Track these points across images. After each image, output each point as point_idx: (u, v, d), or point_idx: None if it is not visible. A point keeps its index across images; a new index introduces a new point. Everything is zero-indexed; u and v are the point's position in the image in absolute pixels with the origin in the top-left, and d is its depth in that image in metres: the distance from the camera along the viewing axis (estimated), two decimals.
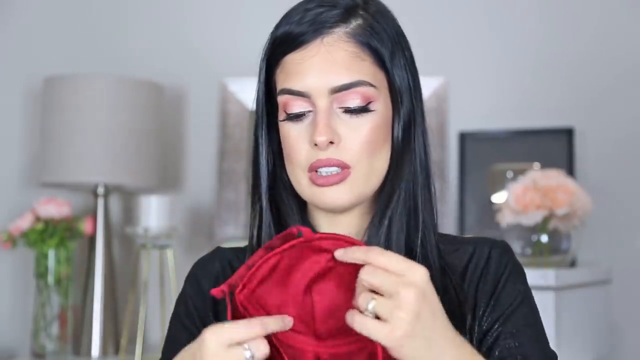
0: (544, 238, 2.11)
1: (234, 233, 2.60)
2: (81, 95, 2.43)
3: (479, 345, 1.00)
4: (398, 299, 0.80)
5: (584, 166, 2.43)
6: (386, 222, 1.01)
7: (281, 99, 1.01)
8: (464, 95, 2.54)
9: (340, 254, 0.85)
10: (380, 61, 1.01)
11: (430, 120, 2.61)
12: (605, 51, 2.46)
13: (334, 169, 0.99)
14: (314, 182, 0.99)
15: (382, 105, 1.00)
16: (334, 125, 0.98)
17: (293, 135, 1.00)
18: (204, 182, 2.74)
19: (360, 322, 0.81)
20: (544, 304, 1.82)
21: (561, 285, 1.92)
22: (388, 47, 1.01)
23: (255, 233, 1.06)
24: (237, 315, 0.87)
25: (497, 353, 0.99)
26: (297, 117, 1.00)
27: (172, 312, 1.12)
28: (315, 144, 0.98)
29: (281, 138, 1.03)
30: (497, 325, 1.01)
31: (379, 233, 1.01)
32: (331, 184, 0.99)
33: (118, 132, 2.43)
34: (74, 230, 2.52)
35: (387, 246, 1.01)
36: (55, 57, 2.82)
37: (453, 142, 2.55)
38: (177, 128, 2.79)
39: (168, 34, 2.80)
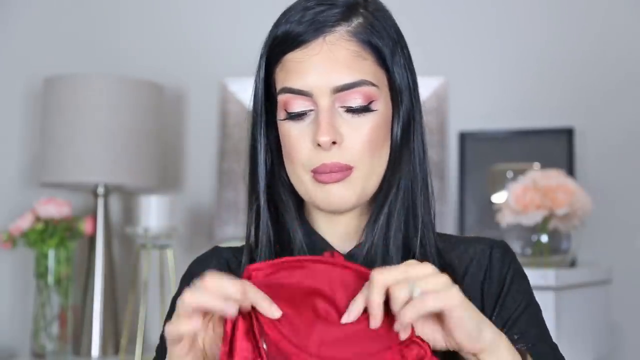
0: (544, 238, 2.11)
1: (234, 233, 2.60)
2: (81, 95, 2.43)
3: None
4: (436, 276, 0.83)
5: (584, 166, 2.43)
6: (382, 219, 1.01)
7: (282, 97, 1.00)
8: (464, 95, 2.54)
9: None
10: (381, 60, 1.01)
11: (430, 120, 2.62)
12: (605, 51, 2.46)
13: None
14: (316, 179, 0.99)
15: (382, 105, 1.00)
16: (336, 125, 0.98)
17: (294, 134, 1.00)
18: (204, 182, 2.74)
19: (419, 304, 0.81)
20: (544, 304, 1.81)
21: (561, 285, 1.92)
22: (389, 46, 1.01)
23: (252, 232, 1.05)
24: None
25: None
26: (298, 116, 1.00)
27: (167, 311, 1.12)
28: (318, 144, 0.97)
29: (281, 137, 1.03)
30: (505, 329, 1.01)
31: (374, 231, 1.01)
32: (334, 181, 0.98)
33: (118, 132, 2.43)
34: (74, 230, 2.52)
35: (386, 245, 1.01)
36: (55, 57, 2.82)
37: (453, 142, 2.55)
38: (177, 128, 2.79)
39: (168, 34, 2.80)
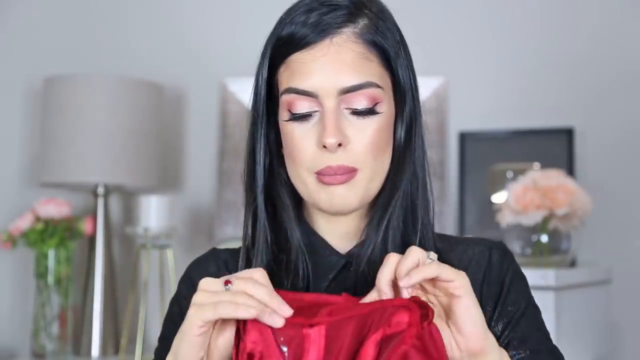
0: (544, 238, 2.11)
1: (233, 233, 2.60)
2: (81, 95, 2.43)
3: None
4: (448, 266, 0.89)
5: (584, 166, 2.43)
6: (385, 222, 1.01)
7: (286, 98, 0.99)
8: (464, 95, 2.54)
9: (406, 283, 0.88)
10: (386, 61, 1.01)
11: (430, 120, 2.62)
12: (605, 51, 2.46)
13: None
14: (320, 180, 0.99)
15: (387, 106, 1.00)
16: (342, 127, 0.97)
17: (297, 135, 0.99)
18: (204, 182, 2.74)
19: (429, 267, 0.88)
20: (544, 304, 1.81)
21: (561, 285, 1.92)
22: (393, 47, 1.01)
23: (250, 232, 1.05)
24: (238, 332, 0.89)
25: None
26: (302, 117, 0.99)
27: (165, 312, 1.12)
28: (324, 146, 0.97)
29: (283, 137, 1.02)
30: (507, 332, 1.01)
31: (377, 232, 1.01)
32: (339, 183, 0.98)
33: (118, 132, 2.43)
34: (74, 230, 2.52)
35: (384, 245, 1.01)
36: (55, 57, 2.82)
37: (453, 142, 2.55)
38: (177, 128, 2.79)
39: (168, 34, 2.80)
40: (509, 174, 2.32)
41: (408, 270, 0.88)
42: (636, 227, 2.39)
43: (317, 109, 0.98)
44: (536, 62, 2.51)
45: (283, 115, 1.01)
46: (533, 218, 2.04)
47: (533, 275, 1.81)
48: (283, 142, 1.02)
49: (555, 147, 2.42)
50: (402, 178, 1.02)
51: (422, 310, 0.86)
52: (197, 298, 0.88)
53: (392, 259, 0.90)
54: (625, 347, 2.37)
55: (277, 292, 0.88)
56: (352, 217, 1.04)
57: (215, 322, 0.89)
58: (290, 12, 1.01)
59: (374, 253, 1.00)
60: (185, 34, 2.79)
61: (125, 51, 2.81)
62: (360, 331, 0.86)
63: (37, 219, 2.48)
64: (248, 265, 1.04)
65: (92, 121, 2.42)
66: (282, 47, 1.00)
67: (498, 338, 1.01)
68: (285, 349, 0.86)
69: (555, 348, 1.03)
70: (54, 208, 2.47)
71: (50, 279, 2.50)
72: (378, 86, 0.99)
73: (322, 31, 0.98)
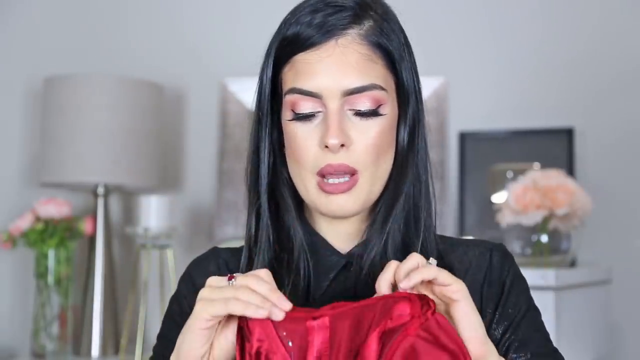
0: (544, 238, 2.11)
1: (234, 233, 2.60)
2: (81, 95, 2.43)
3: None
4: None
5: (584, 166, 2.43)
6: (387, 224, 1.01)
7: (290, 97, 0.99)
8: (464, 95, 2.54)
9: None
10: (391, 63, 1.01)
11: (430, 121, 2.62)
12: (605, 51, 2.46)
13: (342, 179, 0.98)
14: (322, 188, 0.99)
15: (390, 108, 1.00)
16: (345, 128, 0.97)
17: (300, 135, 0.99)
18: (204, 182, 2.74)
19: (428, 269, 0.89)
20: (544, 304, 1.82)
21: (561, 285, 1.92)
22: (397, 49, 1.01)
23: (252, 231, 1.05)
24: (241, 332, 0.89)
25: None
26: (306, 117, 0.99)
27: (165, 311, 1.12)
28: (326, 146, 0.97)
29: (286, 137, 1.02)
30: (508, 334, 1.01)
31: (379, 234, 1.01)
32: (340, 192, 0.98)
33: (118, 132, 2.43)
34: (74, 230, 2.52)
35: (385, 246, 1.01)
36: (55, 57, 2.82)
37: (453, 142, 2.55)
38: (177, 128, 2.79)
39: (168, 34, 2.80)
40: (509, 174, 2.32)
41: (408, 271, 0.88)
42: (636, 227, 2.39)
43: (320, 109, 0.98)
44: (536, 62, 2.51)
45: (286, 114, 1.01)
46: (533, 218, 2.04)
47: (533, 275, 1.81)
48: (285, 141, 1.02)
49: (555, 147, 2.42)
50: (404, 180, 1.02)
51: (422, 301, 0.86)
52: (203, 293, 0.89)
53: (392, 264, 0.90)
54: (625, 347, 2.37)
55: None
56: (353, 219, 1.04)
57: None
58: (295, 13, 1.01)
59: (374, 254, 1.00)
60: (185, 34, 2.79)
61: (125, 51, 2.81)
62: (362, 324, 0.86)
63: (37, 219, 2.48)
64: (250, 263, 1.05)
65: (92, 121, 2.42)
66: (287, 46, 1.00)
67: (499, 341, 1.01)
68: (290, 343, 0.86)
69: (556, 351, 1.03)
70: (54, 208, 2.47)
71: (50, 279, 2.50)
72: (382, 88, 0.99)
73: (327, 32, 0.98)
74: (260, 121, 1.05)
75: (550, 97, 2.50)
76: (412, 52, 1.05)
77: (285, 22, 1.01)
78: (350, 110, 0.98)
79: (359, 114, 0.98)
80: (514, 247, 2.14)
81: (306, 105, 0.98)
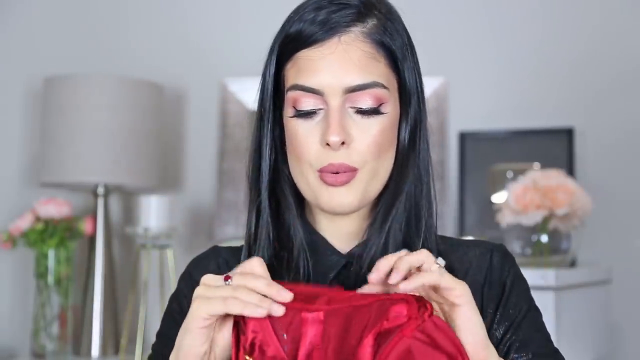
0: (544, 238, 2.11)
1: (234, 233, 2.60)
2: (81, 95, 2.43)
3: None
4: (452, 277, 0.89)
5: (584, 166, 2.43)
6: (387, 224, 1.01)
7: (292, 94, 0.99)
8: (464, 95, 2.54)
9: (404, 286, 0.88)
10: (393, 62, 1.01)
11: (431, 121, 2.62)
12: (605, 51, 2.46)
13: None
14: (322, 179, 0.99)
15: (391, 107, 1.00)
16: (346, 126, 0.97)
17: (301, 132, 0.99)
18: (204, 182, 2.74)
19: (439, 273, 0.87)
20: (544, 304, 1.81)
21: (561, 285, 1.92)
22: (400, 48, 1.01)
23: (253, 229, 1.05)
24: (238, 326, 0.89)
25: None
26: (307, 114, 0.99)
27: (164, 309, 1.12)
28: (327, 144, 0.97)
29: (287, 134, 1.02)
30: (509, 335, 1.01)
31: (379, 234, 1.01)
32: (340, 184, 0.98)
33: (118, 132, 2.43)
34: (74, 230, 2.52)
35: (385, 246, 1.00)
36: (55, 57, 2.82)
37: (453, 142, 2.55)
38: (177, 128, 2.79)
39: (168, 34, 2.80)
40: (509, 174, 2.32)
41: (408, 264, 0.88)
42: (636, 227, 2.39)
43: (322, 106, 0.98)
44: (536, 62, 2.51)
45: (288, 111, 1.01)
46: (533, 218, 2.04)
47: (533, 275, 1.81)
48: (287, 138, 1.02)
49: (555, 147, 2.42)
50: (405, 180, 1.02)
51: (419, 302, 0.86)
52: (199, 291, 0.89)
53: (400, 253, 0.90)
54: (625, 347, 2.37)
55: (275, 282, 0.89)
56: (354, 218, 1.04)
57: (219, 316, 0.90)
58: (299, 10, 1.01)
59: (374, 254, 1.00)
60: (185, 34, 2.79)
61: (125, 51, 2.81)
62: (356, 323, 0.86)
63: (37, 219, 2.48)
64: None
65: (92, 121, 2.42)
66: (289, 43, 1.00)
67: (499, 341, 1.01)
68: (284, 335, 0.87)
69: (557, 351, 1.03)
70: (54, 208, 2.47)
71: (50, 279, 2.50)
72: (384, 87, 0.98)
73: (330, 29, 0.98)
74: (262, 118, 1.05)
75: (550, 97, 2.50)
76: (415, 53, 1.05)
77: (289, 20, 1.01)
78: (351, 108, 0.98)
79: (360, 111, 0.98)
80: (514, 247, 2.14)
81: (308, 103, 0.98)
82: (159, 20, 2.83)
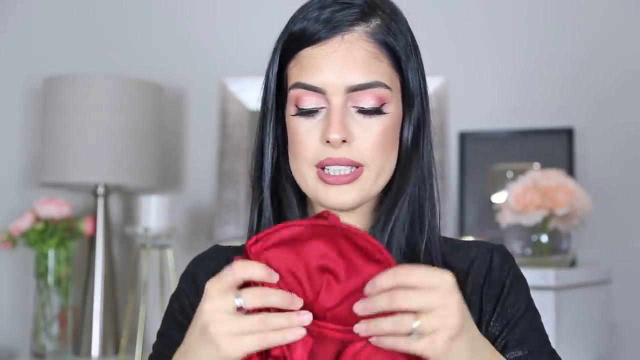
0: (544, 238, 2.11)
1: (234, 233, 2.60)
2: (81, 95, 2.43)
3: None
4: (445, 309, 0.79)
5: (584, 166, 2.43)
6: (390, 225, 1.01)
7: (294, 92, 0.99)
8: (464, 95, 2.54)
9: (369, 289, 0.81)
10: (397, 63, 1.01)
11: (431, 120, 2.62)
12: (605, 51, 2.46)
13: (344, 168, 0.98)
14: (322, 179, 0.98)
15: (394, 107, 1.00)
16: (347, 125, 0.97)
17: (302, 130, 0.99)
18: (204, 182, 2.74)
19: (408, 344, 0.79)
20: (544, 304, 1.82)
21: (561, 285, 1.92)
22: (404, 49, 1.01)
23: (255, 228, 1.05)
24: None
25: None
26: (309, 112, 0.99)
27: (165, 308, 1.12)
28: (328, 141, 0.97)
29: (288, 132, 1.02)
30: (504, 333, 1.01)
31: (383, 236, 1.00)
32: (341, 183, 0.98)
33: (118, 132, 2.43)
34: (74, 230, 2.52)
35: (388, 247, 1.00)
36: (55, 57, 2.82)
37: (453, 142, 2.55)
38: (177, 128, 2.79)
39: (168, 34, 2.80)
40: (509, 174, 2.32)
41: (381, 328, 0.80)
42: (636, 227, 2.39)
43: (324, 105, 0.98)
44: (536, 62, 2.51)
45: (290, 110, 1.01)
46: (533, 218, 2.05)
47: (533, 275, 1.81)
48: (288, 136, 1.02)
49: (555, 147, 2.42)
50: (408, 181, 1.02)
51: None
52: (221, 328, 0.82)
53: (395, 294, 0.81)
54: (625, 347, 2.37)
55: (273, 258, 0.85)
56: (356, 218, 1.03)
57: None
58: (303, 9, 1.01)
59: None
60: (185, 34, 2.79)
61: (125, 51, 2.81)
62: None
63: (37, 219, 2.48)
64: None
65: (92, 121, 2.42)
66: (293, 41, 1.00)
67: (495, 339, 1.00)
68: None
69: (554, 352, 1.03)
70: (54, 208, 2.47)
71: (50, 279, 2.50)
72: (386, 86, 0.98)
73: (333, 28, 0.98)
74: (264, 117, 1.05)
75: (551, 97, 2.50)
76: (419, 54, 1.05)
77: (293, 19, 1.02)
78: (353, 107, 0.98)
79: (362, 111, 0.98)
80: (514, 247, 2.14)
81: (310, 101, 0.98)
82: (159, 20, 2.83)
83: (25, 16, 2.85)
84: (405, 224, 1.02)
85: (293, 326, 0.82)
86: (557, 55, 2.50)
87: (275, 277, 0.83)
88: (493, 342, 1.00)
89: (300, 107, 0.99)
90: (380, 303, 0.80)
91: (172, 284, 2.35)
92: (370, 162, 0.98)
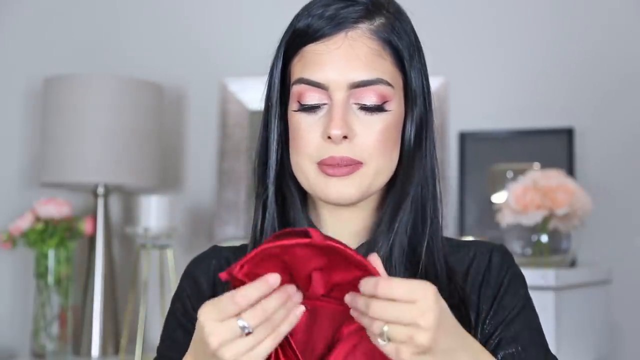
0: (544, 238, 2.11)
1: (234, 233, 2.60)
2: (81, 95, 2.43)
3: None
4: (417, 326, 0.80)
5: (584, 166, 2.43)
6: (394, 225, 1.01)
7: (297, 88, 1.00)
8: (464, 95, 2.54)
9: (349, 300, 0.84)
10: (400, 62, 1.01)
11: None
12: (605, 52, 2.46)
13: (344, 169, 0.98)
14: (323, 171, 0.98)
15: (396, 106, 1.00)
16: (349, 121, 0.97)
17: (304, 127, 0.99)
18: (204, 182, 2.74)
19: (377, 342, 0.82)
20: (544, 304, 1.82)
21: (561, 285, 1.92)
22: (408, 49, 1.02)
23: (259, 224, 1.04)
24: None
25: (500, 359, 0.99)
26: (311, 108, 0.99)
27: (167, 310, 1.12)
28: (329, 137, 0.97)
29: (290, 128, 1.02)
30: (499, 331, 1.00)
31: (388, 236, 1.00)
32: (341, 175, 0.98)
33: (118, 132, 2.43)
34: (74, 230, 2.52)
35: (391, 248, 1.00)
36: (55, 57, 2.82)
37: (453, 142, 2.55)
38: (177, 128, 2.79)
39: (168, 34, 2.80)
40: (509, 174, 2.32)
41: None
42: (636, 227, 2.39)
43: (326, 101, 0.99)
44: (536, 62, 2.51)
45: (293, 105, 1.01)
46: (533, 218, 2.05)
47: (533, 275, 1.81)
48: (290, 132, 1.02)
49: (555, 147, 2.42)
50: (411, 181, 1.02)
51: None
52: (242, 348, 0.82)
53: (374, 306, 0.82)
54: (625, 347, 2.37)
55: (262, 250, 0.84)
56: (357, 217, 1.03)
57: None
58: (307, 7, 1.02)
59: (381, 256, 0.99)
60: (185, 34, 2.79)
61: (125, 51, 2.81)
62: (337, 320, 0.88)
63: (37, 219, 2.48)
64: None
65: (92, 121, 2.42)
66: (297, 38, 1.01)
67: (490, 336, 1.00)
68: None
69: (548, 351, 1.02)
70: (54, 208, 2.47)
71: (50, 279, 2.50)
72: (389, 84, 0.99)
73: (338, 24, 0.98)
74: (269, 114, 1.05)
75: (551, 97, 2.50)
76: (423, 56, 1.05)
77: (298, 16, 1.02)
78: (355, 104, 0.98)
79: (364, 108, 0.98)
80: (514, 247, 2.14)
81: (312, 97, 0.99)
82: (159, 20, 2.83)
83: (25, 16, 2.85)
84: (408, 224, 1.01)
85: (290, 320, 0.84)
86: (557, 55, 2.50)
87: (277, 281, 0.83)
88: (487, 339, 1.00)
89: (303, 103, 0.99)
90: (359, 306, 0.82)
91: (172, 284, 2.35)
92: (369, 159, 0.98)
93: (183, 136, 2.79)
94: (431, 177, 1.04)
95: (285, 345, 0.87)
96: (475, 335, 1.00)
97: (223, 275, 0.84)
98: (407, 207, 1.01)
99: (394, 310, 0.80)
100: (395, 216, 1.01)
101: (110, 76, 2.47)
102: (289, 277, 0.85)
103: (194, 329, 0.90)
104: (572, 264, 2.18)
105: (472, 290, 1.03)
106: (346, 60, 0.97)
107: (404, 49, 1.01)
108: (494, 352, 0.99)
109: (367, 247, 1.01)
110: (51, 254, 2.49)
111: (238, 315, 0.82)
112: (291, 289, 0.85)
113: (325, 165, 0.98)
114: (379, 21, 1.00)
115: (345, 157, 0.97)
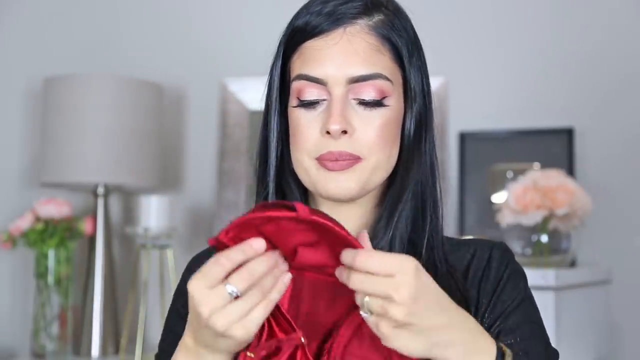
0: (544, 238, 2.11)
1: None
2: (81, 95, 2.43)
3: None
4: (391, 300, 0.81)
5: (584, 166, 2.43)
6: (393, 221, 1.01)
7: (296, 84, 1.00)
8: (464, 95, 2.54)
9: (338, 273, 0.85)
10: (399, 58, 1.01)
11: None
12: (605, 52, 2.46)
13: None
14: (322, 165, 0.98)
15: (395, 101, 1.01)
16: (348, 116, 0.98)
17: (303, 122, 1.00)
18: (204, 182, 2.74)
19: (362, 313, 0.83)
20: (544, 304, 1.82)
21: (561, 285, 1.92)
22: (407, 46, 1.02)
23: None
24: None
25: None
26: (310, 104, 0.99)
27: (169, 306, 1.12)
28: (328, 132, 0.97)
29: (290, 124, 1.02)
30: (498, 323, 1.00)
31: (387, 231, 1.01)
32: (340, 169, 0.98)
33: (118, 132, 2.43)
34: (74, 230, 2.52)
35: (391, 242, 1.00)
36: (55, 57, 2.82)
37: (453, 142, 2.55)
38: (177, 128, 2.79)
39: (168, 34, 2.80)
40: (509, 174, 2.32)
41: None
42: (636, 227, 2.39)
43: (325, 97, 0.99)
44: (536, 62, 2.51)
45: (292, 102, 1.01)
46: (533, 218, 2.05)
47: (533, 275, 1.80)
48: (290, 129, 1.03)
49: (555, 147, 2.42)
50: (411, 177, 1.02)
51: None
52: (232, 316, 0.83)
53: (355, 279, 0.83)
54: (625, 347, 2.37)
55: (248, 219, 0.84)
56: (356, 210, 1.04)
57: None
58: (306, 5, 1.02)
59: (379, 249, 0.99)
60: (185, 34, 2.79)
61: (125, 51, 2.81)
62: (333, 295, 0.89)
63: (37, 219, 2.48)
64: None
65: (92, 121, 2.42)
66: (296, 35, 1.01)
67: (489, 329, 1.00)
68: None
69: (549, 343, 1.02)
70: (54, 208, 2.47)
71: (50, 279, 2.50)
72: (387, 79, 0.99)
73: (336, 20, 0.99)
74: (269, 111, 1.05)
75: (551, 97, 2.50)
76: (422, 54, 1.05)
77: (297, 14, 1.03)
78: (354, 99, 0.99)
79: (363, 103, 0.98)
80: (514, 247, 2.14)
81: (311, 93, 0.99)
82: (159, 20, 2.83)
83: (25, 16, 2.85)
84: (408, 221, 1.02)
85: (279, 289, 0.85)
86: (557, 55, 2.50)
87: (262, 245, 0.83)
88: (487, 331, 1.00)
89: (302, 99, 1.00)
90: (342, 277, 0.84)
91: (172, 284, 2.35)
92: (368, 154, 0.98)
93: (183, 136, 2.79)
94: (431, 175, 1.05)
95: (277, 315, 0.88)
96: None
97: (211, 241, 0.85)
98: (407, 201, 1.02)
99: (370, 283, 0.81)
100: (394, 210, 1.01)
101: (110, 76, 2.47)
102: (273, 247, 0.86)
103: None
104: (572, 264, 2.18)
105: (472, 285, 1.03)
106: (344, 55, 0.97)
107: (403, 46, 1.01)
108: None
109: None
110: (51, 254, 2.49)
111: (225, 281, 0.82)
112: (277, 255, 0.85)
113: (325, 160, 0.98)
114: (377, 18, 1.00)
115: (344, 152, 0.97)
